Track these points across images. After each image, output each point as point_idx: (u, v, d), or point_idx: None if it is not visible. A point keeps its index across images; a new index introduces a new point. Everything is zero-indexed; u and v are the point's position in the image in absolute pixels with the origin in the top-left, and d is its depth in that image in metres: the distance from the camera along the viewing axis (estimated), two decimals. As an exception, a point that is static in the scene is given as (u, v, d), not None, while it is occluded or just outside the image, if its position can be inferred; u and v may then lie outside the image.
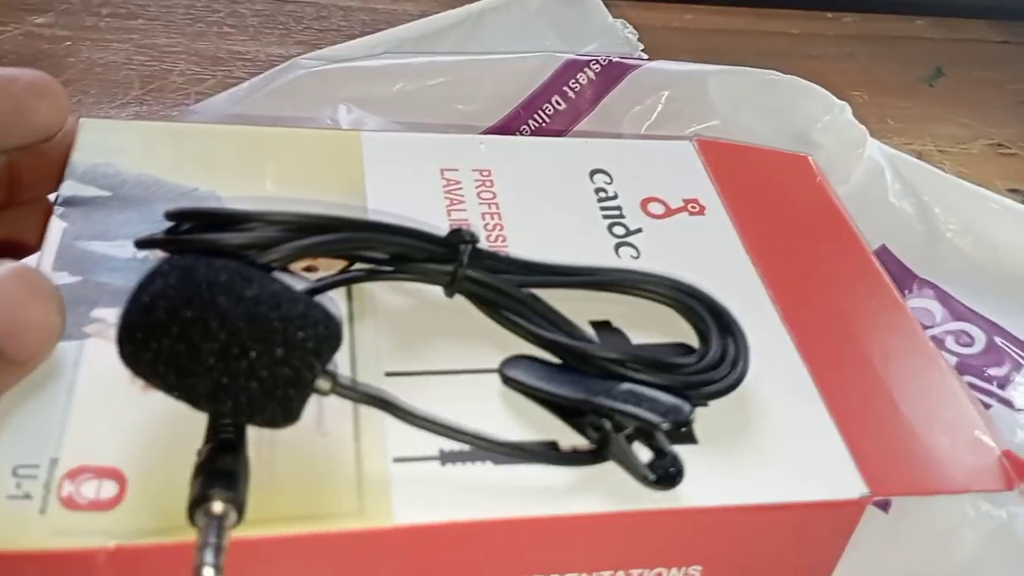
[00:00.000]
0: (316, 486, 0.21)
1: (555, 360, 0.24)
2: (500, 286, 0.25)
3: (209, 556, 0.17)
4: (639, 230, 0.29)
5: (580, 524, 0.21)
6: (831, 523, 0.23)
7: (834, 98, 0.39)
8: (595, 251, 0.28)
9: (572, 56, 0.42)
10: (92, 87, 0.45)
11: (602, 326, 0.26)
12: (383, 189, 0.28)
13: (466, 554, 0.21)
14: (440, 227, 0.26)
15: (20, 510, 0.19)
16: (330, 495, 0.20)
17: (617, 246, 0.29)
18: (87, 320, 0.23)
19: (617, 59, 0.42)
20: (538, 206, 0.29)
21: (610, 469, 0.22)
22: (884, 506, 0.28)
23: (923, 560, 0.28)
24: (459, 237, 0.25)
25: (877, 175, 0.38)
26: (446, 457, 0.22)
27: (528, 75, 0.41)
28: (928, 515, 0.28)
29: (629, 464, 0.21)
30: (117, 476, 0.20)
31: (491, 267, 0.25)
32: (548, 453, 0.22)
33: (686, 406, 0.21)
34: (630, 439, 0.22)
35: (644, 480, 0.21)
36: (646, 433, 0.22)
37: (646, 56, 0.44)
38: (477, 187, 0.30)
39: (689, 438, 0.23)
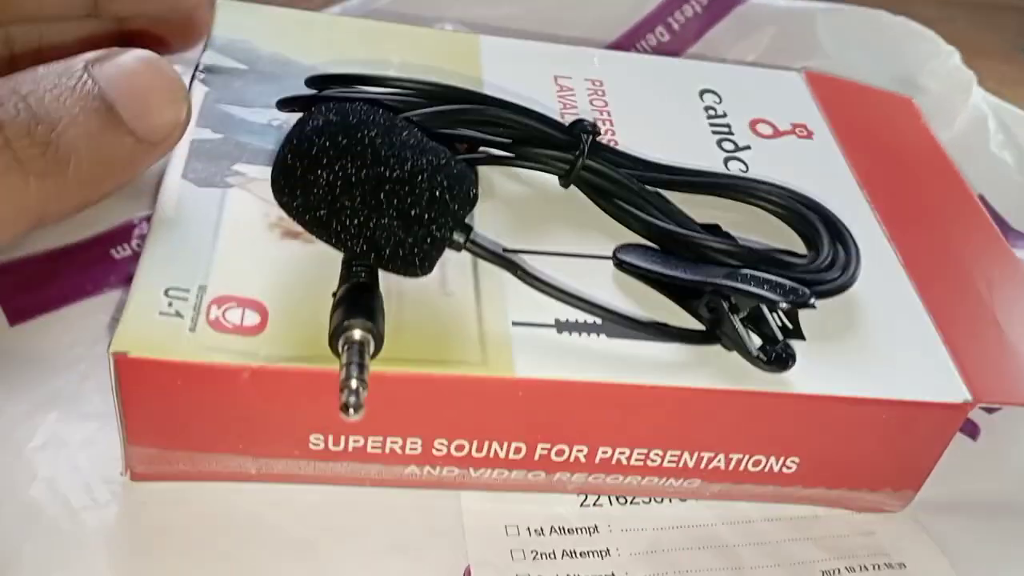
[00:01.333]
0: (442, 337, 0.22)
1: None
2: (618, 177, 0.25)
3: (355, 371, 0.18)
4: (748, 147, 0.30)
5: (689, 397, 0.22)
6: (931, 426, 0.24)
7: (943, 42, 0.39)
8: (705, 163, 0.28)
9: (678, -12, 0.42)
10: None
11: (711, 228, 0.26)
12: (499, 89, 0.29)
13: (578, 414, 0.22)
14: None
15: (172, 326, 0.20)
16: (456, 346, 0.21)
17: (726, 160, 0.29)
18: (229, 172, 0.24)
19: (724, -8, 0.41)
20: (649, 118, 0.30)
21: (719, 352, 0.23)
22: (973, 434, 0.29)
23: (1008, 490, 0.28)
24: (581, 127, 0.26)
25: (980, 123, 0.38)
26: (562, 326, 0.23)
27: (632, 5, 0.42)
28: (1014, 444, 0.28)
29: (742, 345, 0.22)
30: (259, 308, 0.21)
31: (609, 160, 0.26)
32: (662, 328, 0.23)
33: (806, 289, 0.21)
34: (743, 324, 0.23)
35: (756, 361, 0.22)
36: (758, 319, 0.23)
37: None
38: (590, 95, 0.30)
39: (797, 334, 0.24)
